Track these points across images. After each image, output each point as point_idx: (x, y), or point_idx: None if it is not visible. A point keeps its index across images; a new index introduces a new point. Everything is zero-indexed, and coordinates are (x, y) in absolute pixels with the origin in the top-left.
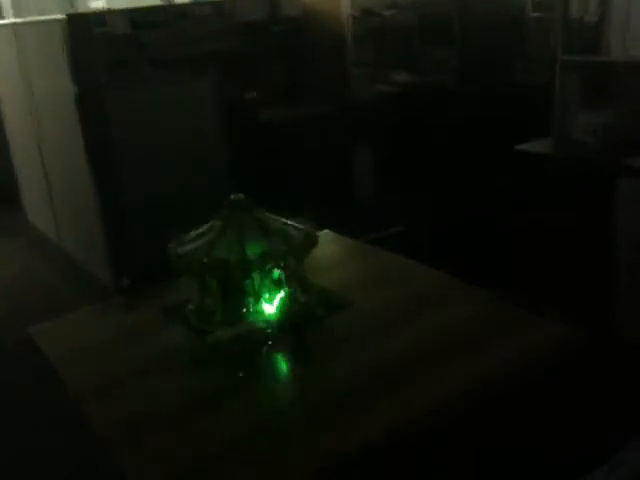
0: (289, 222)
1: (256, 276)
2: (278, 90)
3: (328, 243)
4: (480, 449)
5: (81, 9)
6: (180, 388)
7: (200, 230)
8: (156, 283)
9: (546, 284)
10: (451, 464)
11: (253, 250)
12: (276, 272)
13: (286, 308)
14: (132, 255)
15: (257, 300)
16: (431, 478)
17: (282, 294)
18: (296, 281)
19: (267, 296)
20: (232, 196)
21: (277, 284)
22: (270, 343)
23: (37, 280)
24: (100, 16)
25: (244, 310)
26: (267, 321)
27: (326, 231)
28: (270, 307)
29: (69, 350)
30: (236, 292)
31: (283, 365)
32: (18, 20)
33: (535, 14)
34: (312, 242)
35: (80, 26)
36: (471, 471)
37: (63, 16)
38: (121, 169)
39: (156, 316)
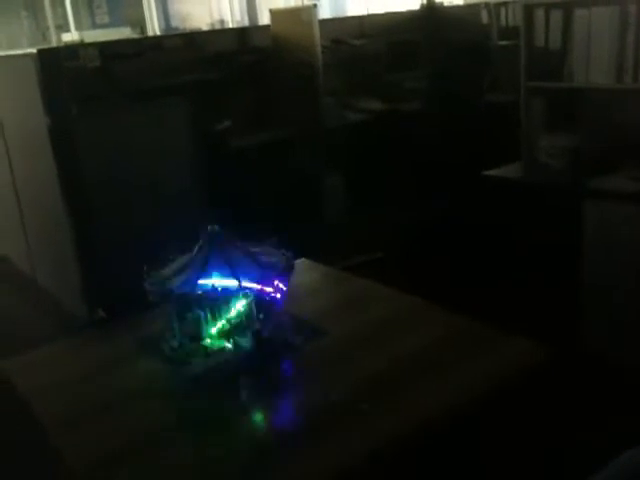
0: (265, 251)
1: (239, 306)
2: (251, 119)
3: (305, 271)
4: (462, 463)
5: (54, 42)
6: (155, 420)
7: (177, 263)
8: (131, 314)
9: (517, 304)
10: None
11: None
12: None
13: (262, 338)
14: (107, 286)
15: (237, 330)
16: None
17: (259, 324)
18: (272, 310)
19: (245, 326)
20: (209, 228)
21: (254, 313)
22: (247, 373)
23: (9, 312)
24: (71, 50)
25: (222, 340)
26: (244, 351)
27: (302, 259)
28: (247, 337)
29: (41, 384)
30: (216, 323)
31: (259, 394)
32: None
33: (502, 42)
34: (289, 270)
35: (51, 60)
36: None
37: (33, 51)
38: (95, 201)
39: (131, 348)
